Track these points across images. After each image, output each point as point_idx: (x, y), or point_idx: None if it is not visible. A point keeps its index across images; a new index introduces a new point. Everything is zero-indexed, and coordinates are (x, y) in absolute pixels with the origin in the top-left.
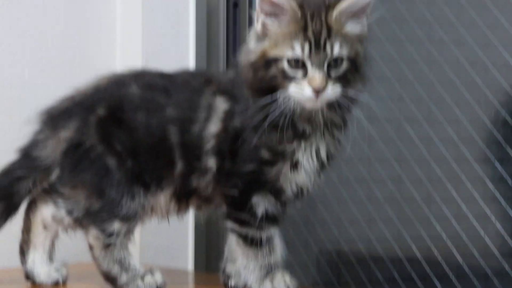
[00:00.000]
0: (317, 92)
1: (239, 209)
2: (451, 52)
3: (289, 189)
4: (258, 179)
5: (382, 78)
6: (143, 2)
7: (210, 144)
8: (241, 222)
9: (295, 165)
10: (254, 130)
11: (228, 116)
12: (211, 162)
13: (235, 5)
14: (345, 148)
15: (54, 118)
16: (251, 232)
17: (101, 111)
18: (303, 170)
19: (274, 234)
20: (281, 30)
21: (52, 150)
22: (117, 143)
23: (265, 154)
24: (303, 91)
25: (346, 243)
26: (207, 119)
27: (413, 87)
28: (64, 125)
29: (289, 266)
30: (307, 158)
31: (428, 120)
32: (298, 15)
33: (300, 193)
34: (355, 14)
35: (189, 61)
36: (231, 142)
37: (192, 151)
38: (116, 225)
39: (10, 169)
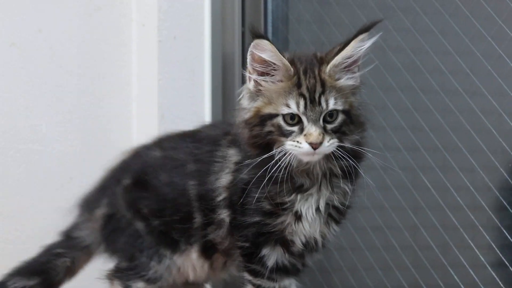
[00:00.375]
0: (315, 146)
1: (251, 261)
2: (466, 101)
3: (298, 240)
4: (264, 231)
5: (397, 127)
6: (159, 55)
7: (222, 196)
8: (254, 273)
9: (297, 217)
10: (256, 182)
11: (238, 167)
12: (224, 214)
13: None
14: (356, 196)
15: (89, 201)
16: (264, 283)
17: (126, 181)
18: (306, 221)
19: (290, 285)
20: (275, 87)
21: (91, 230)
22: (143, 207)
23: (266, 205)
24: (300, 146)
25: None
26: (221, 170)
27: (428, 136)
28: (98, 205)
29: None
30: (306, 209)
31: (443, 168)
32: (291, 72)
33: (311, 244)
34: (348, 67)
35: (204, 115)
36: (240, 194)
37: (208, 203)
38: (140, 285)
39: (50, 247)
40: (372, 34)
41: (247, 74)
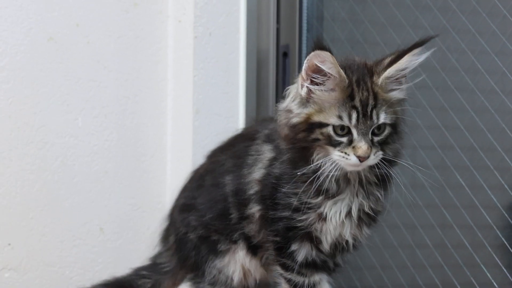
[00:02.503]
0: (362, 160)
1: (282, 255)
2: (501, 100)
3: (324, 239)
4: (291, 225)
5: (431, 126)
6: (195, 51)
7: (254, 189)
8: (285, 267)
9: (322, 218)
10: (287, 179)
11: (272, 163)
12: (255, 209)
13: (285, 54)
14: (387, 201)
15: (165, 230)
16: (294, 277)
17: (181, 200)
18: (330, 223)
19: (320, 281)
20: (328, 96)
21: (170, 257)
22: (192, 219)
23: (294, 201)
24: (348, 157)
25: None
26: (254, 164)
27: (462, 134)
28: (170, 233)
29: None
30: (334, 213)
31: (477, 167)
32: (345, 83)
33: (340, 245)
34: (398, 79)
35: (239, 111)
36: (271, 189)
37: (241, 196)
38: None
39: (139, 268)
40: (426, 49)
41: (300, 80)
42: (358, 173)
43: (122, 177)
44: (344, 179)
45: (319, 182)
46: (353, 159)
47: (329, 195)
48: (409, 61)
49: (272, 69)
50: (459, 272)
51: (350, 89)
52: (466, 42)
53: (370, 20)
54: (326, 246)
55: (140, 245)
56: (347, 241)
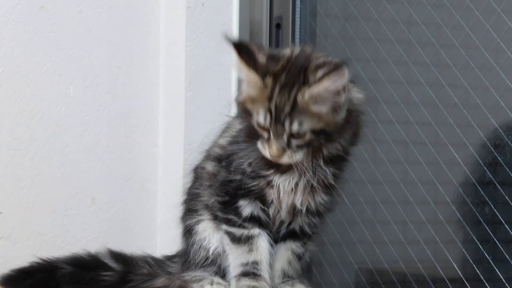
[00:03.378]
0: (274, 160)
1: (227, 210)
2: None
3: (276, 203)
4: (242, 187)
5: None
6: (187, 21)
7: (216, 152)
8: (229, 222)
9: (272, 186)
10: (244, 147)
11: (238, 134)
12: (209, 165)
13: (278, 25)
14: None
15: None
16: (235, 230)
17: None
18: (279, 191)
19: (259, 235)
20: (252, 90)
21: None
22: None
23: (247, 168)
24: (265, 151)
25: (388, 262)
26: (224, 133)
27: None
28: None
29: (330, 282)
30: (282, 182)
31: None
32: (261, 84)
33: (292, 209)
34: (327, 98)
35: (231, 82)
36: (229, 153)
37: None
38: None
39: (147, 255)
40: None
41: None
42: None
43: (113, 147)
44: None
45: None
46: (267, 154)
47: (279, 170)
48: (328, 87)
49: (265, 40)
50: (418, 248)
51: (270, 91)
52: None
53: (363, 17)
54: (282, 210)
55: (131, 216)
56: (296, 207)
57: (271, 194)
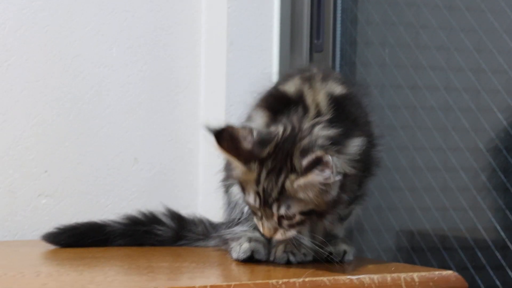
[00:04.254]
0: (267, 238)
1: None
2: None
3: None
4: None
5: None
6: None
7: None
8: None
9: None
10: None
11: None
12: None
13: None
14: None
15: None
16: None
17: None
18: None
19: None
20: (242, 174)
21: None
22: None
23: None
24: (259, 228)
25: (430, 225)
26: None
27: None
28: None
29: (371, 246)
30: None
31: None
32: (253, 170)
33: None
34: (315, 186)
35: (273, 43)
36: None
37: None
38: None
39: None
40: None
41: None
42: None
43: (156, 108)
44: None
45: None
46: (261, 231)
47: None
48: (315, 177)
49: (307, 2)
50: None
51: (257, 175)
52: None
53: (402, 22)
54: None
55: (173, 176)
56: None
57: None
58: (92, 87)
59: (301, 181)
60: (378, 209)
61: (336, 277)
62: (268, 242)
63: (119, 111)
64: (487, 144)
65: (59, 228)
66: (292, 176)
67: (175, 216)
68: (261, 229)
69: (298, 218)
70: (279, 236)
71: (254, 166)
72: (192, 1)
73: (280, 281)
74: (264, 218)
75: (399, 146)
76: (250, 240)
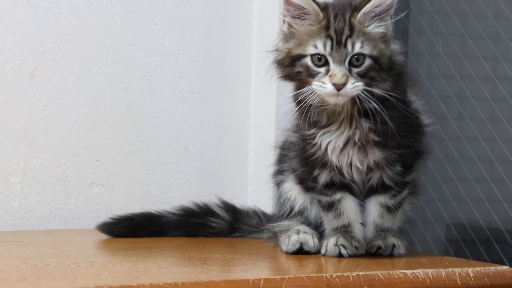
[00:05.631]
0: (338, 87)
1: (311, 180)
2: None
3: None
4: (307, 156)
5: None
6: None
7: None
8: (314, 190)
9: (321, 148)
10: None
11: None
12: (292, 137)
13: None
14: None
15: None
16: (320, 197)
17: None
18: (330, 153)
19: (342, 199)
20: (305, 29)
21: None
22: None
23: (299, 133)
24: (325, 86)
25: (482, 218)
26: None
27: None
28: None
29: (421, 238)
30: (328, 143)
31: None
32: (320, 16)
33: (355, 169)
34: (379, 15)
35: None
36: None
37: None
38: None
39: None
40: None
41: (282, 17)
42: (346, 108)
43: (207, 97)
44: (334, 113)
45: (308, 114)
46: (329, 87)
47: (320, 126)
48: (380, 1)
49: None
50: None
51: (326, 21)
52: None
53: None
54: (341, 172)
55: (223, 166)
56: (356, 166)
57: (329, 159)
58: (145, 76)
59: (367, 6)
60: (429, 201)
61: (390, 272)
62: (319, 232)
63: (170, 101)
64: None
65: (113, 218)
66: (356, 13)
67: (230, 208)
68: (328, 84)
69: (367, 63)
70: (349, 87)
71: (323, 12)
72: None
73: (334, 275)
74: (335, 65)
75: (451, 137)
76: (298, 232)
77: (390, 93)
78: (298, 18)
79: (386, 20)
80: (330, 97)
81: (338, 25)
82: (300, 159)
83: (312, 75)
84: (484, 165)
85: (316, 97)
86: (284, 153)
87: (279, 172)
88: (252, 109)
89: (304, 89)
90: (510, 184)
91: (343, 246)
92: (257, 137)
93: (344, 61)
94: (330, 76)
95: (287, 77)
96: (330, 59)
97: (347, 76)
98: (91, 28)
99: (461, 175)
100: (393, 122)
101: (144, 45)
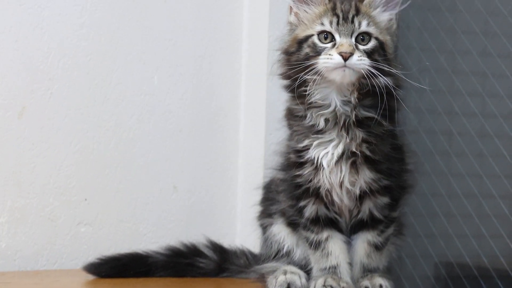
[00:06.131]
0: (345, 57)
1: (296, 213)
2: None
3: (327, 184)
4: (296, 183)
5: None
6: (270, 11)
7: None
8: (300, 225)
9: (316, 167)
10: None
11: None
12: (279, 175)
13: None
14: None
15: None
16: (306, 234)
17: None
18: (324, 170)
19: (329, 238)
20: (313, 13)
21: None
22: None
23: (292, 156)
24: (332, 57)
25: (469, 256)
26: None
27: None
28: None
29: (409, 275)
30: (324, 155)
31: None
32: (326, 0)
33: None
34: (385, 4)
35: None
36: (282, 151)
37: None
38: None
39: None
40: None
41: (289, 10)
42: (345, 110)
43: (195, 135)
44: (332, 117)
45: (309, 116)
46: (336, 57)
47: (317, 132)
48: None
49: None
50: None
51: (333, 3)
52: None
53: None
54: (331, 198)
55: (212, 204)
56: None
57: (320, 179)
58: (133, 115)
59: None
60: (416, 238)
61: None
62: (305, 271)
63: (159, 139)
64: None
65: (100, 259)
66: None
67: (217, 248)
68: (334, 55)
69: (373, 43)
70: (355, 58)
71: None
72: (233, 30)
73: None
74: (342, 37)
75: (438, 173)
76: (285, 272)
77: (394, 88)
78: (306, 3)
79: (391, 11)
80: (336, 71)
81: (344, 7)
82: (287, 191)
83: (319, 51)
84: (471, 201)
85: (321, 78)
86: (271, 195)
87: (266, 215)
88: (241, 147)
89: (310, 70)
90: (495, 221)
91: (332, 287)
92: (246, 176)
93: (351, 35)
94: (337, 47)
95: (292, 67)
96: (336, 34)
97: (354, 47)
98: (79, 67)
99: (448, 212)
100: (387, 138)
101: (133, 84)
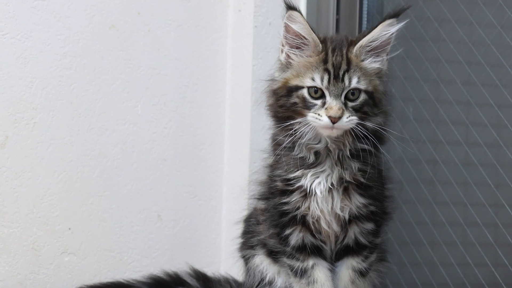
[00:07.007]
0: (333, 120)
1: (280, 242)
2: None
3: (317, 211)
4: (282, 211)
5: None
6: (254, 40)
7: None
8: (284, 254)
9: (305, 194)
10: (274, 163)
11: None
12: (260, 203)
13: None
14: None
15: None
16: (290, 262)
17: None
18: (314, 197)
19: (315, 266)
20: (304, 61)
21: None
22: None
23: (279, 184)
24: (320, 118)
25: (454, 284)
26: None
27: None
28: None
29: None
30: (317, 184)
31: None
32: (319, 47)
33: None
34: (375, 49)
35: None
36: (267, 180)
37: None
38: None
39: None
40: (400, 21)
41: (280, 47)
42: (337, 145)
43: (180, 165)
44: (324, 151)
45: (295, 151)
46: (325, 119)
47: (308, 165)
48: (381, 31)
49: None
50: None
51: (324, 54)
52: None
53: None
54: (318, 225)
55: (196, 233)
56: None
57: (309, 206)
58: (117, 144)
59: (364, 39)
60: (401, 266)
61: None
62: None
63: (143, 168)
64: (509, 200)
65: None
66: (352, 47)
67: (201, 277)
68: (323, 117)
69: (362, 98)
70: (344, 120)
71: (322, 45)
72: (217, 59)
73: None
74: (332, 98)
75: (422, 201)
76: None
77: (383, 127)
78: (297, 48)
79: (382, 56)
80: (324, 129)
81: (336, 59)
82: (270, 219)
83: (308, 106)
84: (456, 229)
85: (310, 129)
86: (251, 228)
87: (247, 246)
88: (225, 176)
89: (299, 120)
90: (480, 249)
91: None
92: (230, 205)
93: (341, 95)
94: (326, 109)
95: (281, 107)
96: (326, 93)
97: (343, 110)
98: (63, 97)
99: (433, 240)
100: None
101: (117, 113)
